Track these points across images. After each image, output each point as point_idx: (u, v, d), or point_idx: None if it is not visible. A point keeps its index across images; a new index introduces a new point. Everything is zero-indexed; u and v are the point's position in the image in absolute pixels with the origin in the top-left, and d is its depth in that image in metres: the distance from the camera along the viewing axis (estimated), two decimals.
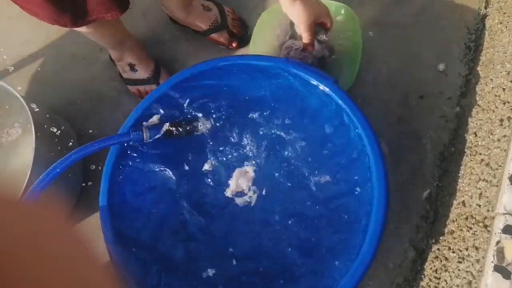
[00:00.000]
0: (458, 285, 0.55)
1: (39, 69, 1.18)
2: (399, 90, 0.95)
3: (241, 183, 0.81)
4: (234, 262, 0.76)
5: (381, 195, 0.67)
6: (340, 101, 0.74)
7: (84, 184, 1.04)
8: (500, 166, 0.53)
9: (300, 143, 0.79)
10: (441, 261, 0.69)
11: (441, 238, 0.75)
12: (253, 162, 0.82)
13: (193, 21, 1.03)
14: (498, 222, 0.46)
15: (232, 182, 0.82)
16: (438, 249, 0.75)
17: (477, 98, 0.80)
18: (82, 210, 1.02)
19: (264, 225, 0.78)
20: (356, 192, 0.71)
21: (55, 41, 1.20)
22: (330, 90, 0.75)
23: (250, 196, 0.81)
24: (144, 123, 0.82)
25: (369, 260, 0.59)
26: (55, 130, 0.97)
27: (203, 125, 0.83)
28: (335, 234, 0.71)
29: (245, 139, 0.82)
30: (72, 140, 1.04)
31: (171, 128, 0.81)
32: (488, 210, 0.54)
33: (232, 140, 0.83)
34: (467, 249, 0.56)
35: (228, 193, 0.82)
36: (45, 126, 0.92)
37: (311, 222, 0.74)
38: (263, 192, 0.81)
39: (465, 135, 0.78)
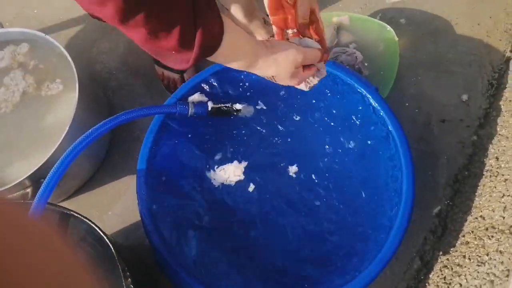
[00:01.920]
0: (476, 286, 0.60)
1: (77, 35, 1.20)
2: (423, 112, 1.02)
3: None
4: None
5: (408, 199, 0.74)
6: (379, 108, 0.81)
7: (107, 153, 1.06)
8: None
9: (336, 139, 0.84)
10: (451, 269, 0.75)
11: (451, 249, 0.81)
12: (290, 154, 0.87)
13: (253, 31, 1.06)
14: None
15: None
16: (448, 259, 0.80)
17: (498, 129, 0.88)
18: (103, 177, 1.04)
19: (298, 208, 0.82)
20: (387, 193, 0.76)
21: None
22: (371, 97, 0.82)
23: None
24: (191, 98, 0.86)
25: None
26: (93, 91, 0.99)
27: (246, 109, 0.88)
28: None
29: (283, 129, 0.87)
30: (105, 107, 1.06)
31: (216, 106, 0.85)
32: None
33: (272, 129, 0.88)
34: (487, 254, 0.62)
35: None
36: (86, 85, 0.94)
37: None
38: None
39: (485, 160, 0.85)
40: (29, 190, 0.90)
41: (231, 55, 0.53)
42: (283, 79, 0.61)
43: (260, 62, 0.56)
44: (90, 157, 1.00)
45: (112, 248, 0.66)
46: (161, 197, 0.81)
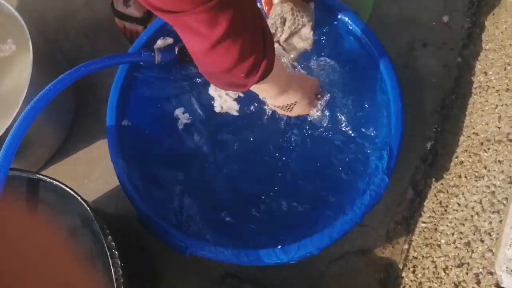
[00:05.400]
0: (476, 200, 0.58)
1: None
2: (405, 38, 0.97)
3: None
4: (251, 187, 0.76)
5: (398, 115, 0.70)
6: (359, 31, 0.76)
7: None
8: None
9: (319, 69, 0.78)
10: (447, 191, 0.72)
11: (445, 173, 0.78)
12: None
13: None
14: None
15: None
16: (442, 183, 0.78)
17: (483, 45, 0.84)
18: (74, 143, 0.98)
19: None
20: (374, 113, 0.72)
21: None
22: (350, 20, 0.76)
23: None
24: (156, 45, 0.79)
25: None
26: (49, 50, 0.91)
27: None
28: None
29: None
30: (64, 67, 0.98)
31: (184, 51, 0.78)
32: (511, 127, 0.56)
33: None
34: (485, 168, 0.59)
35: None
36: (40, 44, 0.86)
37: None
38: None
39: (472, 78, 0.81)
40: None
41: (268, 86, 0.58)
42: (304, 106, 0.67)
43: (290, 90, 0.62)
44: (56, 123, 0.93)
45: (88, 208, 0.61)
46: (136, 152, 0.75)
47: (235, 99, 0.78)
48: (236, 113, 0.78)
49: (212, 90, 0.79)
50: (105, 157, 0.97)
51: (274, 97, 0.63)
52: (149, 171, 0.76)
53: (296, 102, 0.65)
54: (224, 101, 0.78)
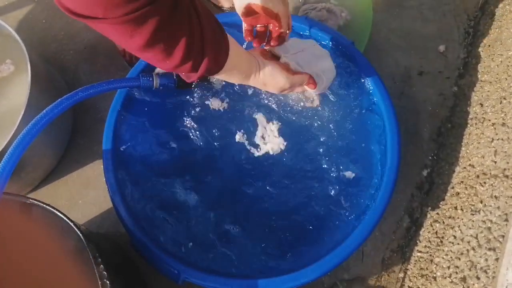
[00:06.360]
0: (472, 235, 0.57)
1: (29, 16, 1.11)
2: (401, 66, 0.98)
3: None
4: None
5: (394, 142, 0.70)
6: (356, 60, 0.76)
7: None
8: None
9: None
10: (443, 222, 0.72)
11: (441, 203, 0.78)
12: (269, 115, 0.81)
13: None
14: None
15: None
16: (438, 213, 0.77)
17: (479, 76, 0.85)
18: (69, 164, 0.97)
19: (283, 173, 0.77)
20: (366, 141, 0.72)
21: None
22: (347, 51, 0.77)
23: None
24: (156, 70, 0.79)
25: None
26: (48, 72, 0.91)
27: (216, 79, 0.81)
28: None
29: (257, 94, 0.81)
30: (63, 89, 0.98)
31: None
32: (507, 163, 0.57)
33: (246, 94, 0.82)
34: (481, 202, 0.59)
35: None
36: (39, 65, 0.86)
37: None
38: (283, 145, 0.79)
39: (468, 108, 0.82)
40: None
41: (228, 76, 0.58)
42: (277, 81, 0.64)
43: (251, 82, 0.61)
44: (52, 144, 0.93)
45: (81, 235, 0.60)
46: (131, 176, 0.75)
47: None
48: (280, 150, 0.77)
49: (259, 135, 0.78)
50: (100, 178, 0.96)
51: (241, 82, 0.61)
52: (143, 194, 0.75)
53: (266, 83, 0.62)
54: (269, 142, 0.77)
